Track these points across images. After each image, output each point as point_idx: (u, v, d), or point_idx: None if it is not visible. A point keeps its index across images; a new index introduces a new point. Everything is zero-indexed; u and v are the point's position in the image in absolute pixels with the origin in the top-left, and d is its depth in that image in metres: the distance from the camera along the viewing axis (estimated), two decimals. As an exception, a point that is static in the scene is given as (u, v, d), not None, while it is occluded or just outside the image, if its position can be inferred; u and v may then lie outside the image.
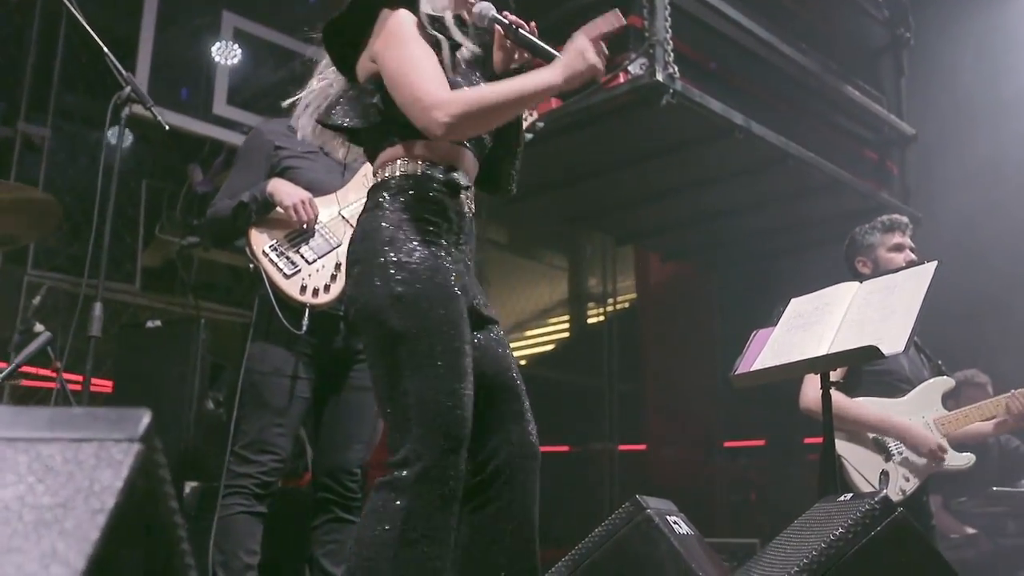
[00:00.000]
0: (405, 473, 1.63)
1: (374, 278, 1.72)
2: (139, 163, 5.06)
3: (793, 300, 2.97)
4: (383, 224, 1.75)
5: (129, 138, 4.64)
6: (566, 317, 7.92)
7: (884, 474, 3.01)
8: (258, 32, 4.42)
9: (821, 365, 2.61)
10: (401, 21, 1.80)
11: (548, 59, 1.81)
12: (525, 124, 2.60)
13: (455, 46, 1.82)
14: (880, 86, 4.72)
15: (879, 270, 3.09)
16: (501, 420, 1.84)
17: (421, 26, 1.81)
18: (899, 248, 3.16)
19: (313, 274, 2.64)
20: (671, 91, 3.45)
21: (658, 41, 3.48)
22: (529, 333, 7.88)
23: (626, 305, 7.71)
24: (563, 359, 7.60)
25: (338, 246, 2.68)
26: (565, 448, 7.29)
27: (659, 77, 3.41)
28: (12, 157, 4.28)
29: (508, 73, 1.90)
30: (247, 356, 2.72)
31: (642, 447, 7.13)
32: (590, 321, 7.79)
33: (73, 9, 2.85)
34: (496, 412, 1.84)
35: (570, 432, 7.11)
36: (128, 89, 2.79)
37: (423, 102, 1.72)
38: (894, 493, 2.95)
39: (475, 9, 1.85)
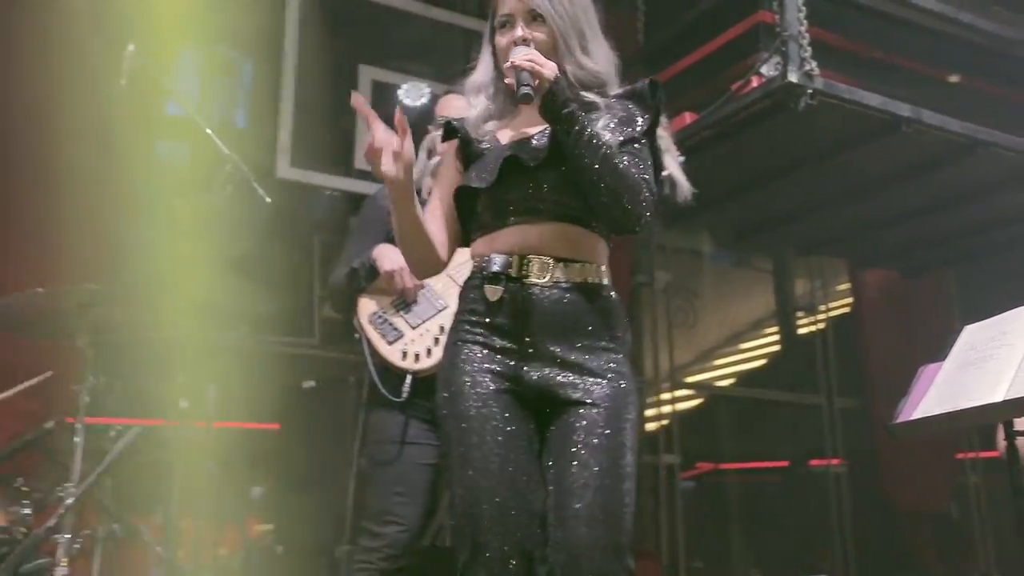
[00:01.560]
0: None
1: None
2: (312, 219, 5.24)
3: (967, 328, 2.48)
4: None
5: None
6: (775, 328, 7.36)
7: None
8: (395, 80, 4.44)
9: (994, 415, 2.14)
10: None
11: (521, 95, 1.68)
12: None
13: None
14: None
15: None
16: (553, 524, 1.67)
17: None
18: None
19: (416, 339, 2.62)
20: (809, 91, 3.02)
21: (791, 36, 3.07)
22: (742, 347, 7.42)
23: (841, 313, 7.03)
24: (775, 374, 7.06)
25: (443, 308, 2.65)
26: (784, 463, 6.80)
27: (792, 78, 3.01)
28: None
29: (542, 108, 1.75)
30: (362, 427, 2.72)
31: (870, 466, 6.45)
32: (800, 332, 7.17)
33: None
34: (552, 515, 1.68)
35: (787, 450, 6.62)
36: (229, 166, 2.87)
37: None
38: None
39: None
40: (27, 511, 2.61)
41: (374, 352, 2.60)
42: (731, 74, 3.34)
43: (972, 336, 2.43)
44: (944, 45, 3.55)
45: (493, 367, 1.73)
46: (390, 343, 2.60)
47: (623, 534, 1.63)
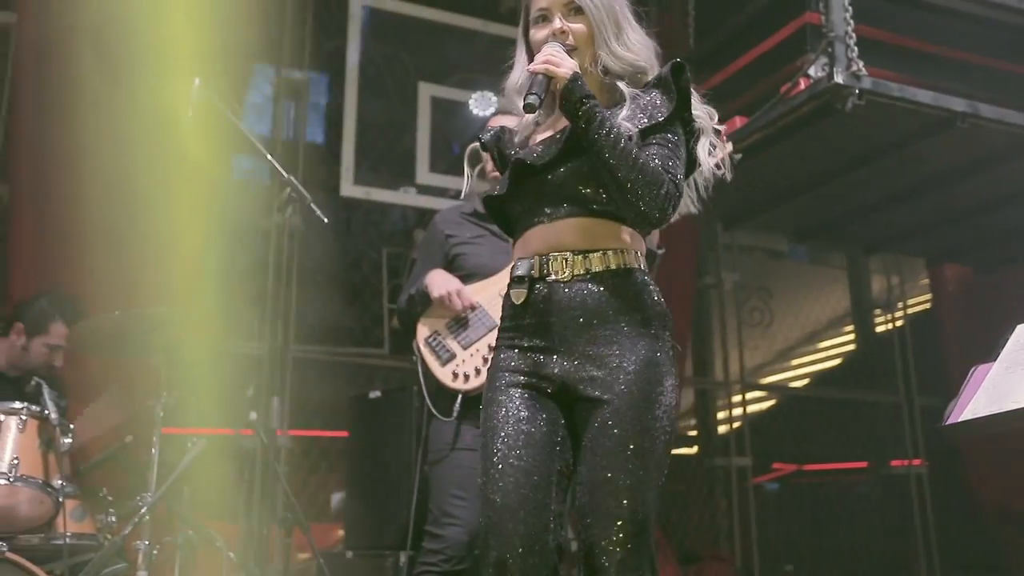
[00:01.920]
0: None
1: None
2: (380, 232, 5.39)
3: (1020, 326, 2.43)
4: None
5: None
6: (851, 327, 7.22)
7: None
8: (454, 96, 4.55)
9: (1035, 416, 2.10)
10: None
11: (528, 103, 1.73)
12: (719, 155, 2.37)
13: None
14: None
15: None
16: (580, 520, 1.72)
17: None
18: None
19: (467, 359, 2.73)
20: (856, 91, 2.99)
21: (837, 37, 3.05)
22: (818, 346, 7.30)
23: (920, 310, 6.87)
24: (852, 373, 6.92)
25: (494, 327, 2.67)
26: (862, 464, 6.67)
27: (839, 79, 2.99)
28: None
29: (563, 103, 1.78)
30: (423, 440, 2.84)
31: (952, 465, 6.26)
32: (878, 330, 7.02)
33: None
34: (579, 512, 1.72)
35: (866, 451, 6.49)
36: (288, 190, 3.01)
37: None
38: None
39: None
40: (112, 518, 2.80)
41: (428, 373, 2.74)
42: (780, 76, 3.33)
43: (1021, 335, 2.38)
44: (1001, 34, 3.46)
45: (522, 366, 1.77)
46: (443, 364, 2.73)
47: (646, 531, 1.65)
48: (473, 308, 2.75)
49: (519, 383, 1.77)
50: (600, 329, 1.74)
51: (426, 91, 4.44)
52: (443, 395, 2.71)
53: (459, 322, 2.77)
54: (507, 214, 1.90)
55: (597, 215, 1.79)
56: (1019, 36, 3.46)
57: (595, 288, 1.76)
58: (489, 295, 2.76)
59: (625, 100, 1.80)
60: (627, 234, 1.82)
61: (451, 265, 2.85)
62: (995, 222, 4.14)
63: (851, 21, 3.08)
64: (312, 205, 3.03)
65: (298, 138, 4.96)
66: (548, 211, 1.80)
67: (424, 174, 4.40)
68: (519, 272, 1.80)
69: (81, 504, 2.72)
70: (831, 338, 7.11)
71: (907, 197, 3.94)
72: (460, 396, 2.67)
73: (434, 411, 2.69)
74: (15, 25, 4.50)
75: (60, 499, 2.54)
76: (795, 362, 7.36)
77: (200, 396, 2.99)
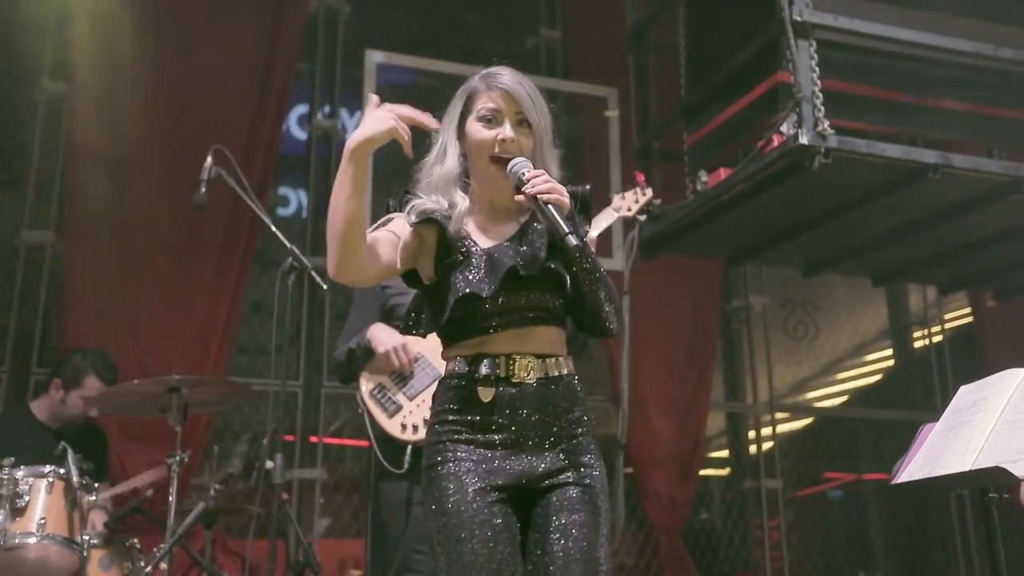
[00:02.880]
0: None
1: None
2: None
3: (961, 388, 2.52)
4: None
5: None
6: (889, 344, 7.17)
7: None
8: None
9: (963, 483, 2.21)
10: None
11: (559, 232, 1.77)
12: (638, 206, 2.59)
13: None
14: None
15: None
16: None
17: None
18: None
19: (413, 411, 2.80)
20: (823, 150, 3.10)
21: (804, 97, 3.15)
22: (854, 363, 7.27)
23: (960, 324, 6.79)
24: (889, 391, 6.88)
25: (438, 377, 2.81)
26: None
27: (804, 140, 3.09)
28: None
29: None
30: (373, 495, 2.91)
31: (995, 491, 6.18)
32: (916, 345, 6.96)
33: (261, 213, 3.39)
34: None
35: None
36: (290, 260, 3.26)
37: None
38: None
39: (509, 166, 1.86)
40: (141, 563, 3.12)
41: (376, 425, 2.81)
42: (758, 131, 3.45)
43: (961, 398, 2.47)
44: (987, 79, 3.50)
45: (480, 465, 1.81)
46: (390, 416, 2.79)
47: None
48: (416, 360, 2.81)
49: (486, 485, 1.80)
50: (560, 430, 1.87)
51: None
52: (392, 448, 2.76)
53: (402, 374, 2.82)
54: (471, 311, 1.87)
55: (554, 324, 1.93)
56: (999, 80, 3.50)
57: (551, 390, 1.88)
58: (430, 345, 2.75)
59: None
60: (564, 337, 1.98)
61: (388, 315, 2.88)
62: (1001, 253, 4.15)
63: (818, 81, 3.18)
64: (312, 273, 3.26)
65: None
66: (517, 316, 1.87)
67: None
68: (485, 371, 1.84)
69: (108, 553, 3.03)
70: (867, 356, 7.08)
71: (904, 233, 3.99)
72: (409, 448, 2.73)
73: (385, 464, 2.75)
74: (69, 92, 4.90)
75: (84, 552, 2.85)
76: (838, 376, 7.35)
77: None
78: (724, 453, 6.42)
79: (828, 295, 7.15)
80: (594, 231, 2.75)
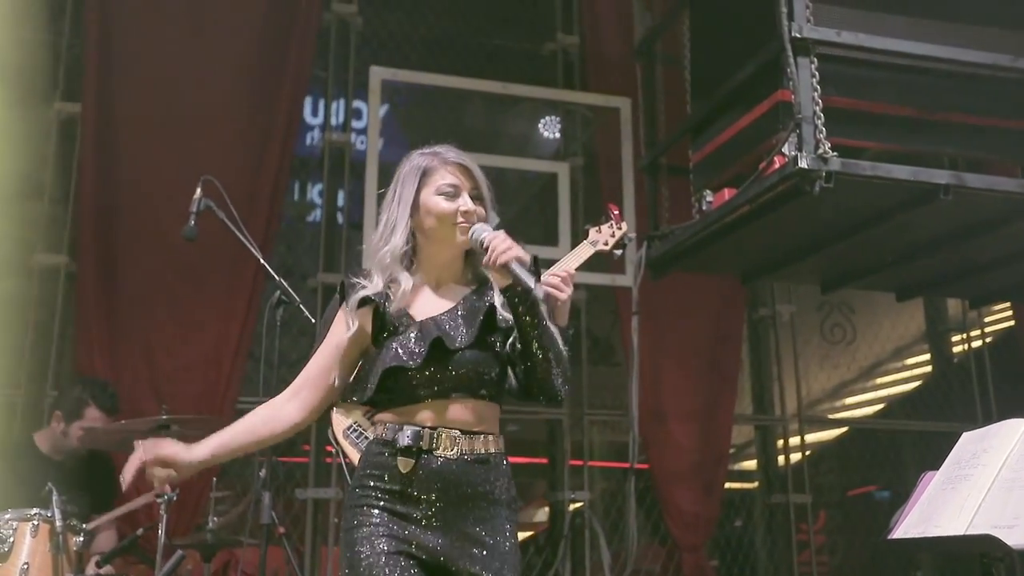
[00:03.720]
0: None
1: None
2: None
3: (964, 434, 2.38)
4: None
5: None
6: (925, 346, 6.92)
7: None
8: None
9: (957, 547, 2.08)
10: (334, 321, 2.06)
11: (525, 289, 1.84)
12: (614, 239, 2.56)
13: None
14: None
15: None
16: None
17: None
18: None
19: None
20: (823, 174, 2.95)
21: (804, 118, 3.00)
22: (888, 369, 7.05)
23: (1001, 329, 6.52)
24: (926, 400, 6.64)
25: None
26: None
27: (804, 163, 2.94)
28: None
29: (506, 291, 1.91)
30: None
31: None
32: (955, 351, 6.71)
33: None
34: None
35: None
36: (278, 293, 3.22)
37: None
38: None
39: (471, 235, 1.94)
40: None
41: (349, 464, 2.77)
42: (760, 151, 3.31)
43: (963, 447, 2.32)
44: (1007, 91, 3.30)
45: (394, 532, 1.83)
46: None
47: None
48: None
49: (399, 552, 1.82)
50: (476, 509, 1.88)
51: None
52: None
53: None
54: (400, 381, 1.91)
55: (484, 399, 1.94)
56: (1020, 92, 3.30)
57: (478, 469, 1.89)
58: None
59: (488, 281, 1.97)
60: (498, 414, 1.99)
61: None
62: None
63: (820, 100, 3.02)
64: (301, 306, 3.22)
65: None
66: (442, 388, 1.90)
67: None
68: (407, 442, 1.86)
69: (100, 592, 3.03)
70: (903, 364, 6.85)
71: (923, 250, 3.81)
72: None
73: None
74: (80, 114, 4.92)
75: (70, 599, 2.84)
76: (875, 382, 7.13)
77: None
78: (753, 464, 6.27)
79: (866, 297, 6.91)
80: (572, 264, 2.70)
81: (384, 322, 1.95)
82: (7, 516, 2.88)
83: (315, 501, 4.84)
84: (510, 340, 1.96)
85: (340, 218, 5.33)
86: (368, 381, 1.93)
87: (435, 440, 1.87)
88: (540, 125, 5.56)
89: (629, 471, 4.30)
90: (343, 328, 1.99)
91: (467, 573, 1.84)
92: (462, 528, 1.86)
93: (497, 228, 1.93)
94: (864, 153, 3.25)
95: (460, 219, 1.93)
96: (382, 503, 1.86)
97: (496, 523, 1.90)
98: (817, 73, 3.04)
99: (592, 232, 2.83)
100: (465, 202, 1.95)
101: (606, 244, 2.78)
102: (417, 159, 2.01)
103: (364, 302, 1.96)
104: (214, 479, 3.62)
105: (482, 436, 1.91)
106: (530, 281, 1.82)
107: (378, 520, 1.85)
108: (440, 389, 1.90)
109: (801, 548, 5.66)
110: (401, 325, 1.94)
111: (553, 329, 1.91)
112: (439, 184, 1.96)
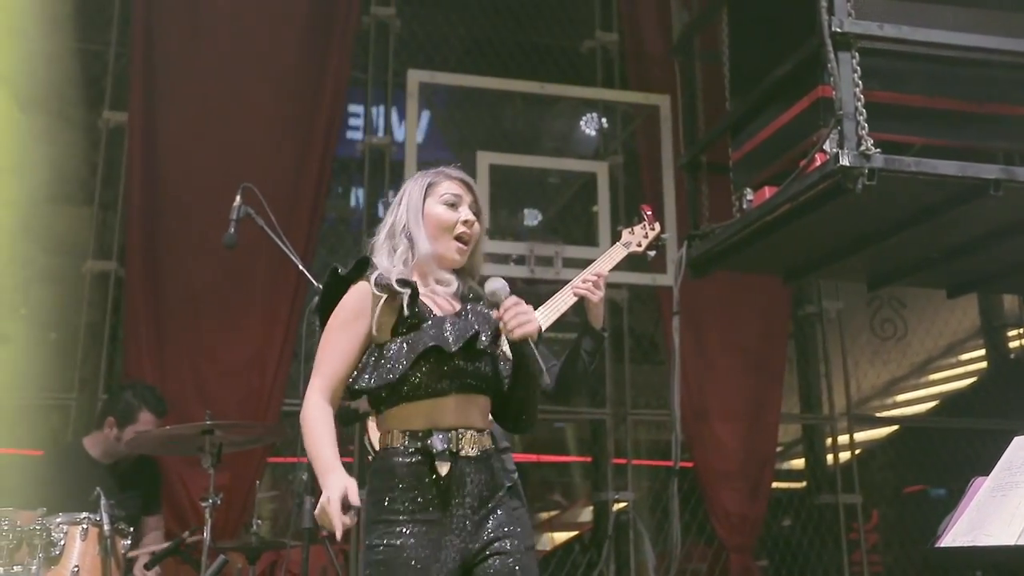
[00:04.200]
0: None
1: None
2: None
3: (1016, 438, 2.30)
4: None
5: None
6: (980, 341, 6.75)
7: None
8: (512, 162, 4.64)
9: (1007, 558, 2.01)
10: (342, 302, 2.00)
11: (535, 369, 1.98)
12: (647, 241, 2.56)
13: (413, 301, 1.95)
14: None
15: None
16: None
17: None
18: None
19: None
20: (866, 171, 2.88)
21: (846, 115, 2.93)
22: (941, 366, 6.89)
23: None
24: (980, 398, 6.48)
25: None
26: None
27: (845, 161, 2.87)
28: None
29: (513, 347, 2.01)
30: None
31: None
32: (1011, 346, 6.54)
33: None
34: None
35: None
36: (316, 299, 3.24)
37: (310, 382, 1.97)
38: None
39: (487, 285, 2.01)
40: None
41: None
42: (802, 148, 3.24)
43: (1014, 452, 2.25)
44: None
45: (424, 551, 1.83)
46: None
47: None
48: None
49: (434, 560, 1.83)
50: (492, 501, 1.94)
51: (484, 159, 4.55)
52: None
53: None
54: (425, 364, 1.92)
55: (488, 395, 2.02)
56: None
57: (489, 464, 1.96)
58: None
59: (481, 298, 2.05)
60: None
61: None
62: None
63: (861, 96, 2.95)
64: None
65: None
66: (466, 382, 1.96)
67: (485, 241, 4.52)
68: (441, 446, 1.87)
69: (148, 594, 3.09)
70: (957, 359, 6.69)
71: (974, 246, 3.70)
72: None
73: None
74: (127, 123, 5.02)
75: (118, 601, 2.90)
76: (928, 378, 6.98)
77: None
78: (800, 463, 6.17)
79: (918, 291, 6.75)
80: (605, 267, 2.69)
81: (412, 310, 1.94)
82: (58, 520, 2.94)
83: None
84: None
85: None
86: (396, 363, 1.90)
87: (460, 440, 1.91)
88: (581, 122, 5.52)
89: (672, 471, 4.25)
90: (367, 312, 1.95)
91: (491, 569, 1.89)
92: (484, 521, 1.91)
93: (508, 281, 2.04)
94: (911, 149, 3.16)
95: (461, 229, 2.05)
96: (413, 516, 1.86)
97: (511, 513, 1.97)
98: (859, 68, 2.95)
99: (625, 234, 2.82)
100: (465, 213, 2.07)
101: (639, 246, 2.77)
102: (423, 176, 2.14)
103: (404, 285, 1.94)
104: (258, 481, 3.67)
105: (488, 433, 1.99)
106: (538, 364, 1.94)
107: (408, 533, 1.84)
108: (464, 383, 1.95)
109: (852, 548, 5.55)
110: (426, 316, 1.96)
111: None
112: (443, 194, 2.09)
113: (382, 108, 5.35)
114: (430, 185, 2.11)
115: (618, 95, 5.18)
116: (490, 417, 2.05)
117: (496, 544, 1.90)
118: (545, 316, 2.68)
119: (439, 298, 2.05)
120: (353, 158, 5.66)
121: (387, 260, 2.02)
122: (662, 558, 5.02)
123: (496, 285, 1.99)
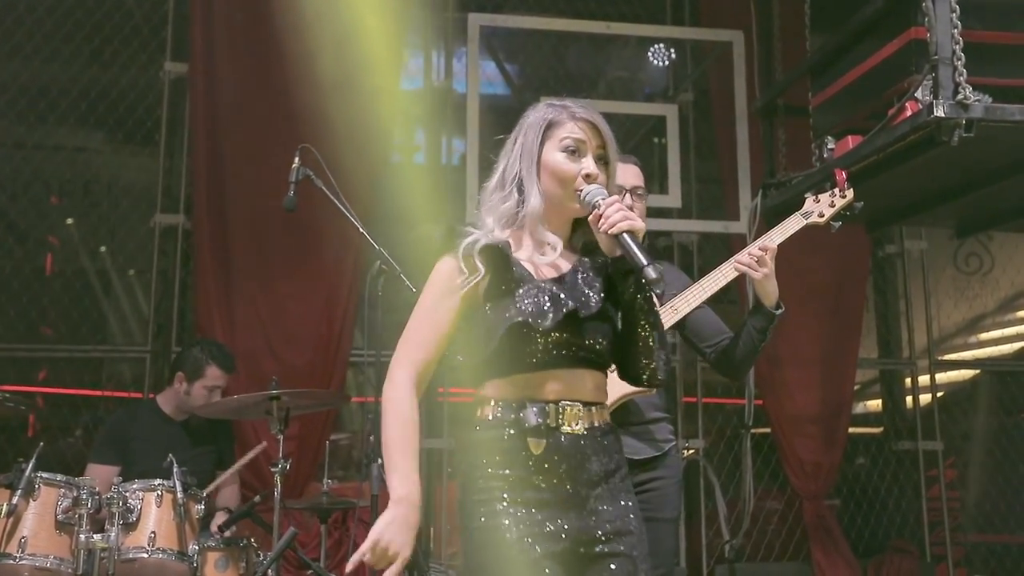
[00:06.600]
0: None
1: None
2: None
3: None
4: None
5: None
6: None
7: None
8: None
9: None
10: (431, 278, 1.86)
11: (637, 263, 1.71)
12: (832, 211, 2.34)
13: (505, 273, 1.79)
14: None
15: None
16: None
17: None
18: None
19: None
20: (963, 122, 2.65)
21: (941, 60, 2.69)
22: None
23: None
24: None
25: None
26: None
27: (940, 112, 2.65)
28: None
29: (616, 263, 1.81)
30: None
31: None
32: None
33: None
34: None
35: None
36: (379, 263, 3.18)
37: (395, 353, 1.82)
38: None
39: (583, 193, 1.80)
40: (260, 558, 3.22)
41: None
42: (890, 95, 3.01)
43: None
44: None
45: (534, 527, 1.70)
46: None
47: None
48: None
49: (546, 550, 1.69)
50: (602, 482, 1.76)
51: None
52: None
53: None
54: (523, 341, 1.75)
55: (601, 369, 1.84)
56: None
57: (597, 441, 1.77)
58: None
59: (597, 249, 1.83)
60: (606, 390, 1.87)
61: None
62: None
63: (960, 39, 2.70)
64: (403, 276, 3.15)
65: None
66: (568, 356, 1.77)
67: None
68: (535, 420, 1.73)
69: (224, 555, 3.14)
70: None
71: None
72: None
73: None
74: (188, 74, 4.97)
75: (194, 563, 2.96)
76: (1016, 315, 6.66)
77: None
78: (877, 405, 5.99)
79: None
80: (776, 239, 2.50)
81: (504, 277, 1.78)
82: (134, 487, 3.00)
83: (427, 451, 4.88)
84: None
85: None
86: (483, 339, 1.76)
87: (561, 415, 1.75)
88: (649, 55, 5.25)
89: (745, 422, 4.13)
90: (454, 289, 1.78)
91: (603, 553, 1.73)
92: (594, 506, 1.74)
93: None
94: (1014, 93, 2.90)
95: (580, 183, 1.78)
96: (509, 495, 1.72)
97: (621, 495, 1.79)
98: (957, 7, 2.70)
99: (808, 201, 2.57)
100: (588, 164, 1.79)
101: (821, 216, 2.53)
102: (543, 110, 1.84)
103: (489, 250, 1.78)
104: (327, 442, 3.69)
105: (598, 407, 1.80)
106: (642, 257, 1.68)
107: (514, 513, 1.70)
108: (565, 357, 1.76)
109: (930, 484, 5.41)
110: (523, 282, 1.78)
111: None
112: (563, 138, 1.80)
113: (442, 52, 5.21)
114: (550, 125, 1.81)
115: (688, 32, 4.92)
116: (624, 390, 1.89)
117: (609, 545, 1.74)
118: (703, 289, 2.51)
119: (545, 260, 1.83)
120: (415, 103, 5.53)
121: (491, 218, 1.82)
122: (732, 505, 4.95)
123: (592, 194, 1.77)
